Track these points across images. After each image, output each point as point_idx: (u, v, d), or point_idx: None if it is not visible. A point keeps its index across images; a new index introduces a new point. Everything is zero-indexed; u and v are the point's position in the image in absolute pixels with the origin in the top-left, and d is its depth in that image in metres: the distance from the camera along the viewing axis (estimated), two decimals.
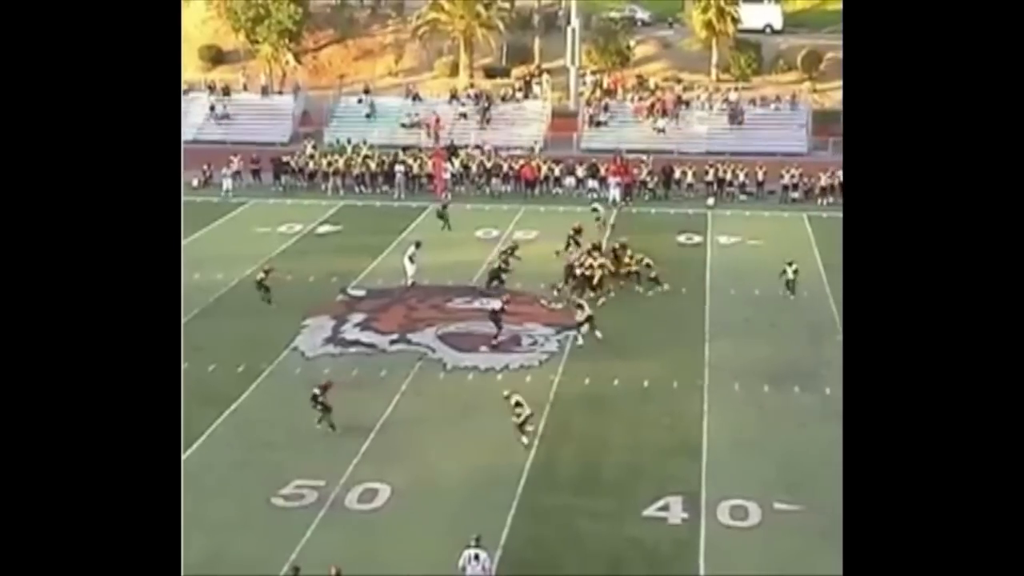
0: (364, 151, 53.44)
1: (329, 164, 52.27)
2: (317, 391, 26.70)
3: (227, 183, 50.86)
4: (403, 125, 59.62)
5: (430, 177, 51.64)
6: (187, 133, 60.15)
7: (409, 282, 37.31)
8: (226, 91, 63.01)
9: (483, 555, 20.11)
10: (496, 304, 33.15)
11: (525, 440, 25.76)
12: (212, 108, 61.72)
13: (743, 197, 50.24)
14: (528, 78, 63.82)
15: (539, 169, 51.37)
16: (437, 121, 58.46)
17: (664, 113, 58.77)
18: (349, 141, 55.59)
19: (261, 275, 35.73)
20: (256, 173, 52.85)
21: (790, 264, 36.40)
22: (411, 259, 37.50)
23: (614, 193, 49.14)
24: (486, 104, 60.67)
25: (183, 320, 34.00)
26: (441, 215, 44.70)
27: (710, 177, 50.55)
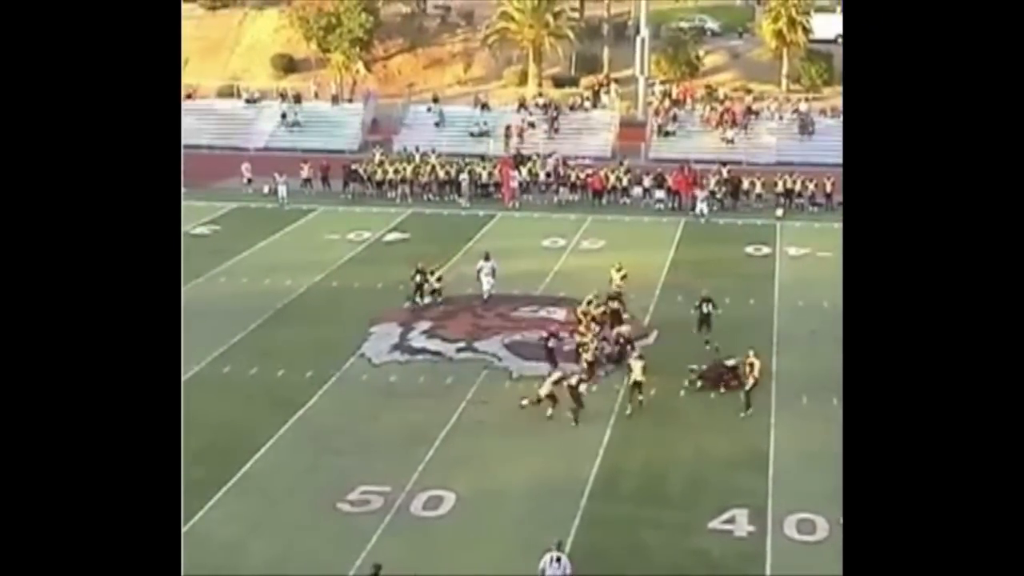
0: (432, 159, 53.71)
1: (397, 172, 52.54)
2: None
3: (282, 190, 51.02)
4: (471, 134, 59.93)
5: (498, 186, 51.83)
6: (258, 140, 61.30)
7: (486, 296, 36.96)
8: (297, 99, 63.85)
9: (564, 559, 20.09)
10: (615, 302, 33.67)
11: None
12: (283, 116, 62.49)
13: (812, 209, 49.76)
14: (597, 87, 63.92)
15: (607, 179, 51.30)
16: (521, 132, 58.74)
17: (733, 123, 58.51)
18: (418, 149, 55.90)
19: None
20: (325, 180, 53.23)
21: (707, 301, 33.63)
22: (488, 273, 36.91)
23: (701, 207, 48.29)
24: (554, 113, 60.79)
25: (252, 325, 34.54)
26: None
27: (779, 188, 50.10)
